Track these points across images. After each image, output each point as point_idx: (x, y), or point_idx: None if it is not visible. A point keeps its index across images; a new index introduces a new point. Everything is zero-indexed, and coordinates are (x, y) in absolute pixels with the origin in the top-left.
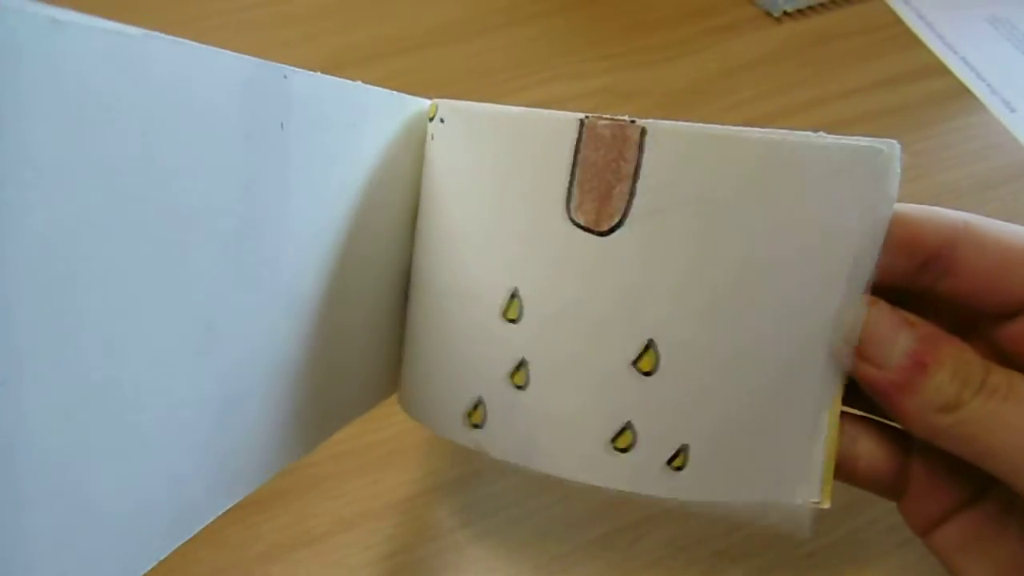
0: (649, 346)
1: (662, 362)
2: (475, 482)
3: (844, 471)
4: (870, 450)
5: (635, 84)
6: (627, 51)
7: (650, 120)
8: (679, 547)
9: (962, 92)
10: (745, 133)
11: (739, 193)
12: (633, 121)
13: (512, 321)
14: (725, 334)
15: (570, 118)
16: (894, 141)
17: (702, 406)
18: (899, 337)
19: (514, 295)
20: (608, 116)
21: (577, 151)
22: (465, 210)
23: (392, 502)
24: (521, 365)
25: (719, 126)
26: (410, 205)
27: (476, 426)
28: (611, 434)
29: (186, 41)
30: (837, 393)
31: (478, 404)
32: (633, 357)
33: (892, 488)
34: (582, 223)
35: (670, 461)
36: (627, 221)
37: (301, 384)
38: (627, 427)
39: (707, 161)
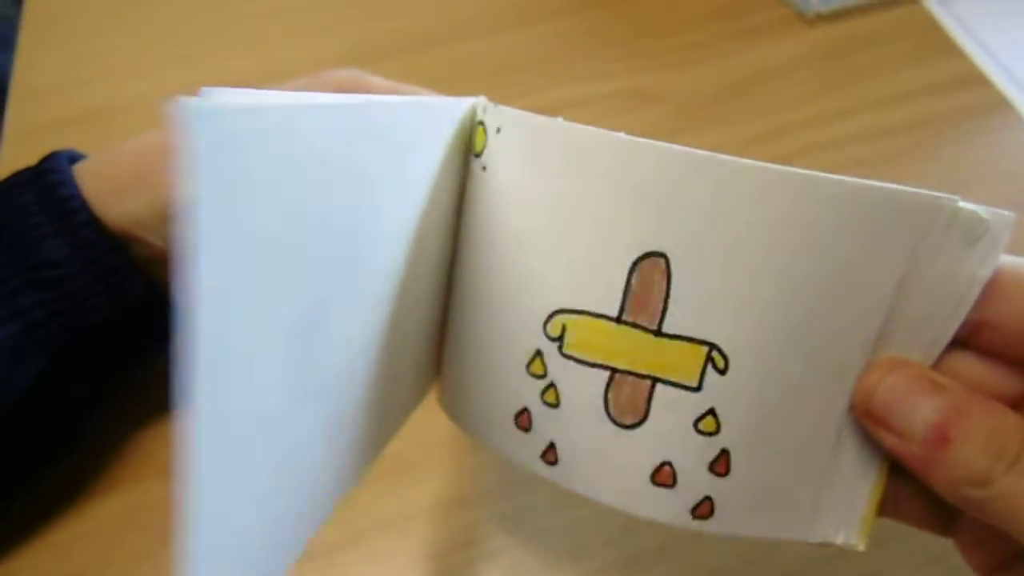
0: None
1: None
2: (482, 501)
3: (888, 509)
4: (915, 491)
5: (659, 87)
6: (652, 51)
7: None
8: (711, 569)
9: (1003, 104)
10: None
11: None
12: None
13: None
14: (779, 380)
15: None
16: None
17: (752, 454)
18: (922, 406)
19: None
20: None
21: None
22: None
23: (399, 517)
24: (550, 386)
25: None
26: (451, 204)
27: (525, 430)
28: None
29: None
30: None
31: (523, 411)
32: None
33: (941, 528)
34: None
35: (696, 507)
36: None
37: (372, 405)
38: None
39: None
